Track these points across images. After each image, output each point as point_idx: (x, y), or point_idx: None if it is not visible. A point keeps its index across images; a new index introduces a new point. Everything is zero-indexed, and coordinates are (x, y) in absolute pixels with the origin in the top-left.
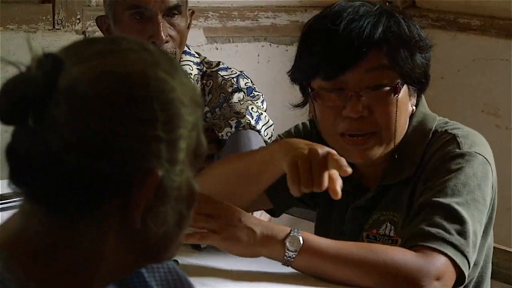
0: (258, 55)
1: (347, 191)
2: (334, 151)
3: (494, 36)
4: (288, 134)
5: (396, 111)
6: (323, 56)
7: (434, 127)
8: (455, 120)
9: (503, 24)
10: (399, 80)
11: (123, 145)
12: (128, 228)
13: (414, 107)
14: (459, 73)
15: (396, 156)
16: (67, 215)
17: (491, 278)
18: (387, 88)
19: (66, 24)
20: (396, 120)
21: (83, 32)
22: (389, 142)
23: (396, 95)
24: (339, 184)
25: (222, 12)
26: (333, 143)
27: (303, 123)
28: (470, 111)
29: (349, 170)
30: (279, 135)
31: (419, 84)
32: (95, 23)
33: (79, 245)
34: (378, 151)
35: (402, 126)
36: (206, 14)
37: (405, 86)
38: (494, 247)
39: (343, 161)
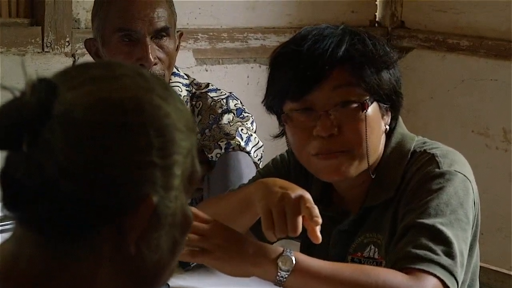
0: (248, 77)
1: (330, 216)
2: (307, 196)
3: (483, 56)
4: (267, 168)
5: (366, 128)
6: (289, 78)
7: (412, 147)
8: (445, 140)
9: (492, 45)
10: (367, 97)
11: (118, 171)
12: (122, 254)
13: (387, 127)
14: (448, 93)
15: (375, 178)
16: (60, 241)
17: None
18: (355, 104)
19: (56, 46)
20: (367, 137)
21: (73, 55)
22: (362, 159)
23: (365, 111)
24: (317, 227)
25: (211, 33)
26: (307, 165)
27: (281, 155)
28: (459, 131)
29: (320, 220)
30: (258, 171)
31: (390, 101)
32: (84, 46)
33: (73, 271)
34: (352, 169)
35: (374, 144)
36: (195, 36)
37: (375, 104)
38: (487, 268)
39: (315, 210)
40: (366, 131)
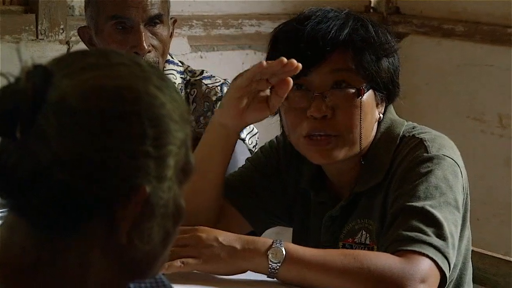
0: (243, 63)
1: (321, 202)
2: None
3: (478, 41)
4: (256, 156)
5: (360, 114)
6: (289, 56)
7: (401, 132)
8: (441, 126)
9: (487, 30)
10: (364, 84)
11: (112, 161)
12: (114, 244)
13: (381, 115)
14: (444, 79)
15: (365, 163)
16: (52, 229)
17: (478, 283)
18: (352, 90)
19: (50, 34)
20: (360, 123)
21: (67, 42)
22: (352, 145)
23: (360, 97)
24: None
25: (206, 20)
26: (297, 146)
27: (270, 141)
28: (455, 117)
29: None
30: (247, 159)
31: (386, 90)
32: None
33: (64, 261)
34: (341, 153)
35: (367, 131)
36: (190, 23)
37: (371, 92)
38: (483, 253)
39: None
40: (360, 117)
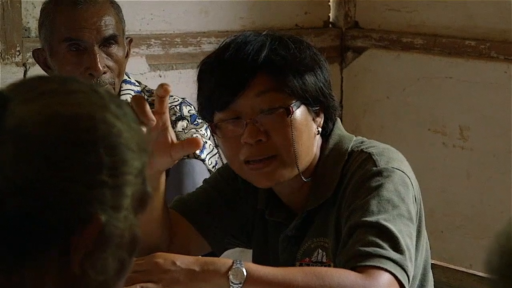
0: None
1: (277, 222)
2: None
3: (437, 54)
4: (214, 177)
5: (293, 132)
6: (213, 87)
7: (350, 147)
8: (402, 139)
9: (446, 42)
10: (292, 101)
11: (67, 189)
12: (66, 273)
13: (319, 129)
14: (404, 92)
15: (314, 180)
16: (5, 259)
17: None
18: (280, 110)
19: (6, 56)
20: (294, 141)
21: (24, 64)
22: (292, 164)
23: (290, 115)
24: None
25: (164, 39)
26: (240, 173)
27: (226, 164)
28: (416, 130)
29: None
30: (205, 180)
31: (318, 103)
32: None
33: None
34: (283, 174)
35: (305, 147)
36: (148, 42)
37: (303, 107)
38: (445, 267)
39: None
40: (293, 136)
